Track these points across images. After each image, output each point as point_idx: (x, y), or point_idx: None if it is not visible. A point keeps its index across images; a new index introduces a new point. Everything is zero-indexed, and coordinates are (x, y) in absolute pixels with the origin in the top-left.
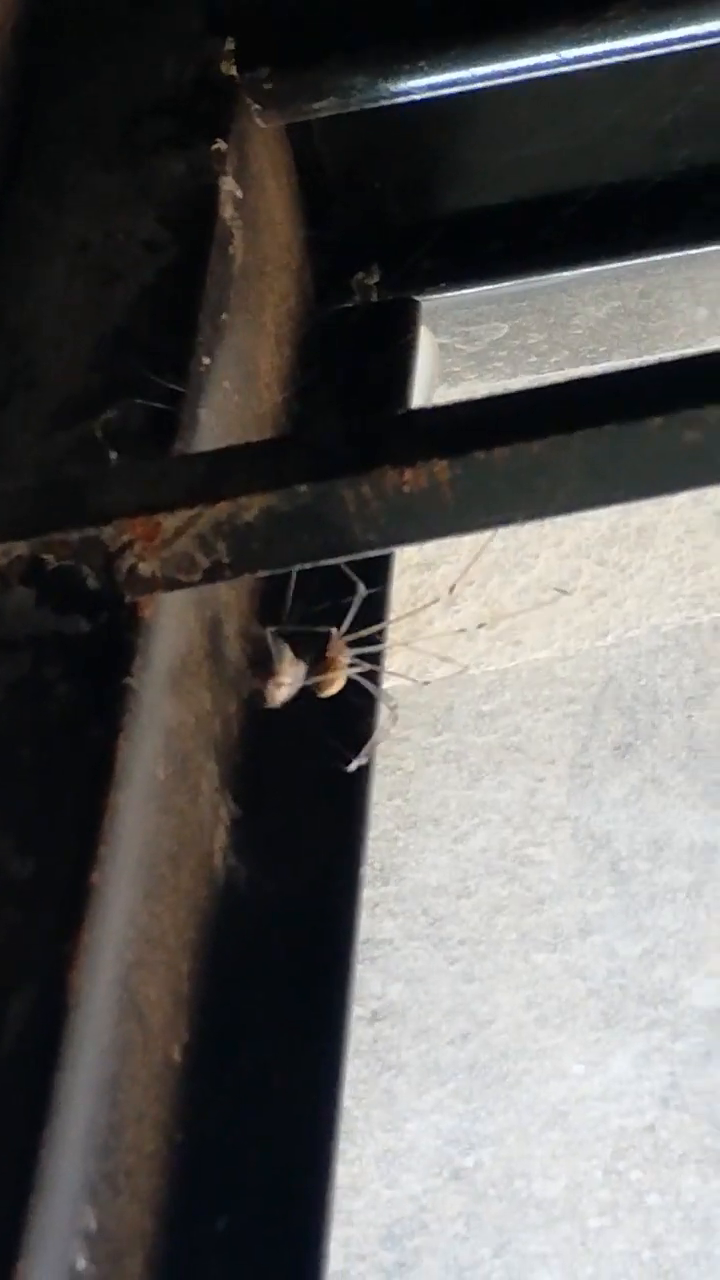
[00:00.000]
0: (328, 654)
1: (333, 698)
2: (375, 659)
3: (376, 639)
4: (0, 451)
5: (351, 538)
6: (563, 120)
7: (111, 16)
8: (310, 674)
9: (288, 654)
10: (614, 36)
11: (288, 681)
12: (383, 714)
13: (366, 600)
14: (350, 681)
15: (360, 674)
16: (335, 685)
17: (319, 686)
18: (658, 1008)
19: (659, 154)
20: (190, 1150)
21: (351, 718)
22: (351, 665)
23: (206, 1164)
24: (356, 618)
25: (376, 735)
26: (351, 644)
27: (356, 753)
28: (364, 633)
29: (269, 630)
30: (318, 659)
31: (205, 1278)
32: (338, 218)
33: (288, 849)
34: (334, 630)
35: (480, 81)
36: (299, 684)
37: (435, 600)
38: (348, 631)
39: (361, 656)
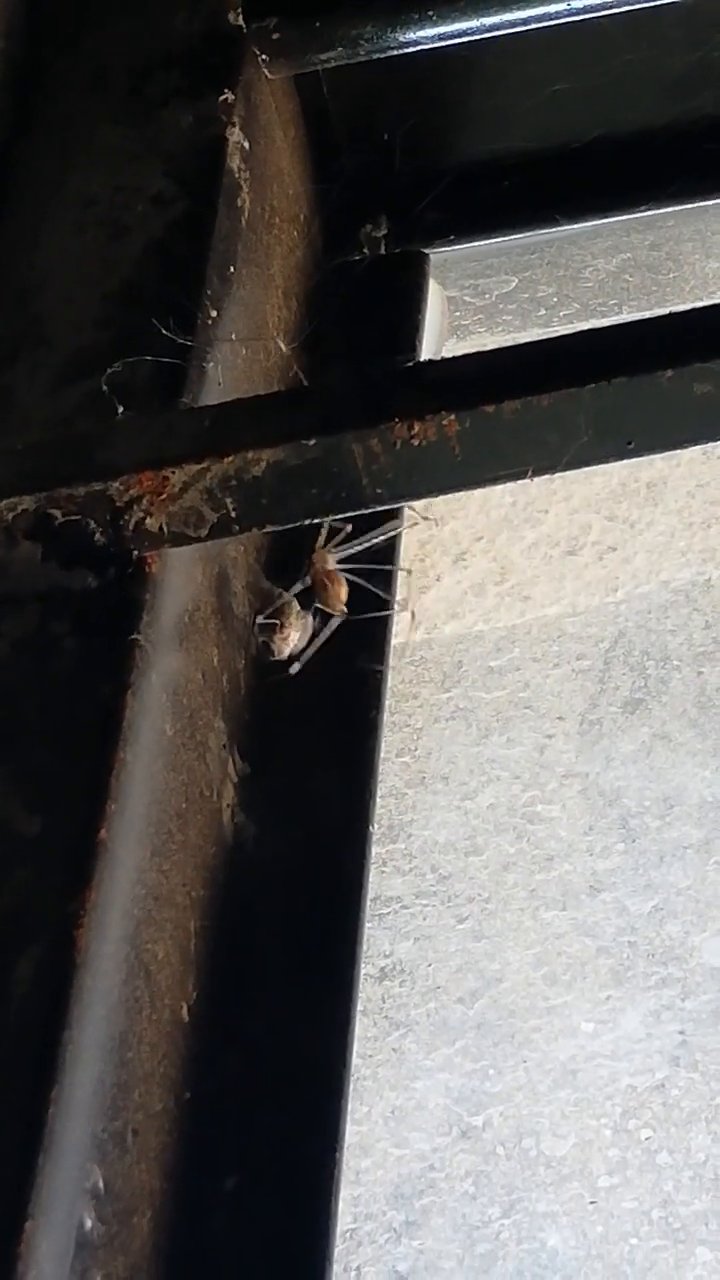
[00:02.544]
0: (314, 565)
1: (342, 653)
2: (385, 576)
3: (389, 557)
4: (8, 407)
5: (360, 491)
6: (573, 70)
7: None
8: (312, 596)
9: (294, 607)
10: None
11: (294, 634)
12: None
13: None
14: (358, 636)
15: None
16: (338, 596)
17: (325, 602)
18: (668, 965)
19: (670, 105)
20: (199, 1109)
21: (361, 672)
22: (349, 574)
23: (215, 1123)
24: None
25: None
26: (351, 564)
27: (367, 709)
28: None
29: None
30: (306, 576)
31: (214, 1236)
32: (346, 169)
33: (296, 806)
34: (317, 546)
35: (490, 31)
36: (306, 636)
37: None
38: (342, 547)
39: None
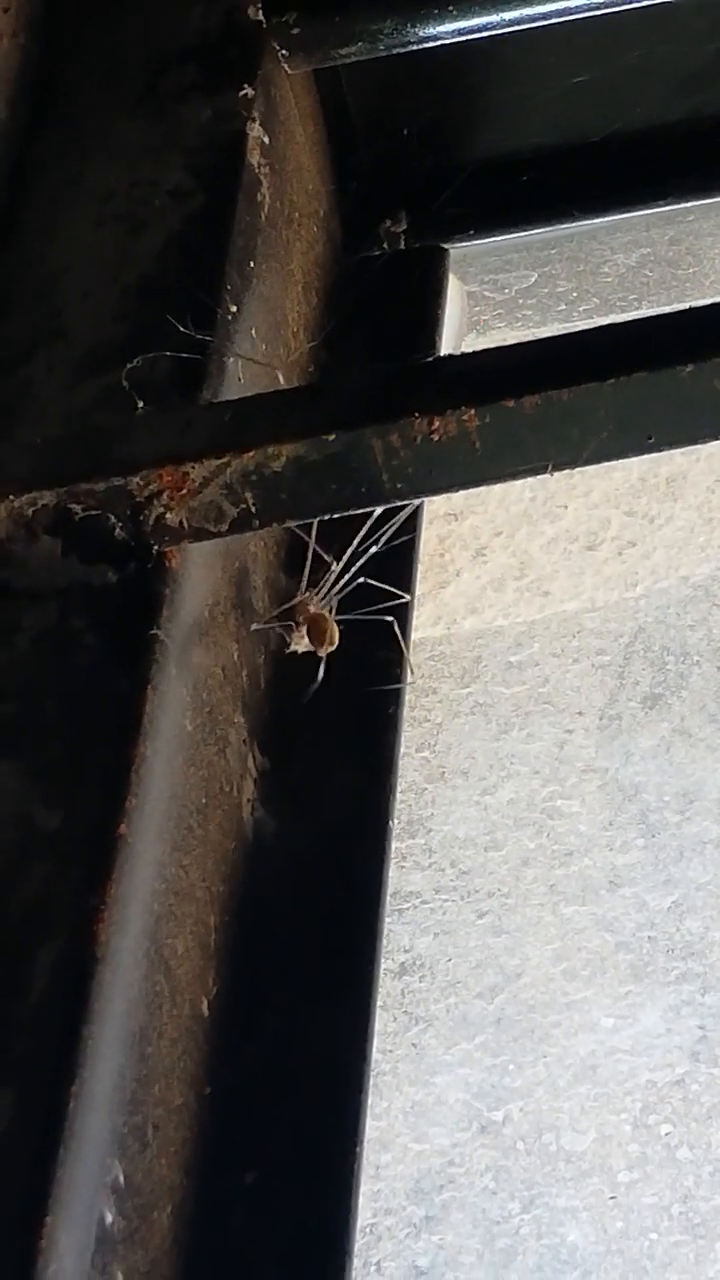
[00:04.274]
0: (296, 618)
1: (362, 649)
2: (403, 612)
3: (401, 585)
4: (27, 402)
5: (380, 487)
6: (591, 63)
7: None
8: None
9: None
10: None
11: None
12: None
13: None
14: (377, 634)
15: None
16: (326, 636)
17: (317, 643)
18: (687, 960)
19: (688, 98)
20: (219, 1104)
21: (379, 669)
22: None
23: (235, 1118)
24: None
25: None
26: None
27: (386, 704)
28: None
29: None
30: (297, 624)
31: (234, 1231)
32: (365, 164)
33: (316, 801)
34: (299, 596)
35: (509, 25)
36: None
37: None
38: (333, 588)
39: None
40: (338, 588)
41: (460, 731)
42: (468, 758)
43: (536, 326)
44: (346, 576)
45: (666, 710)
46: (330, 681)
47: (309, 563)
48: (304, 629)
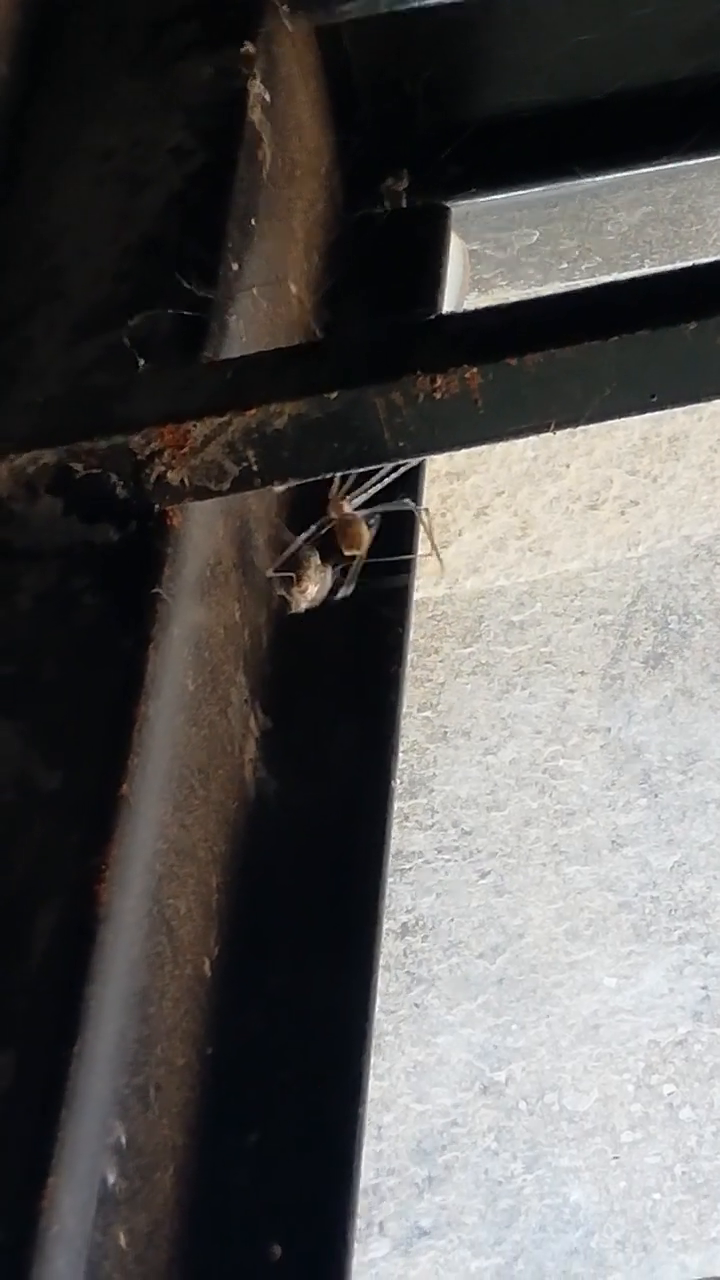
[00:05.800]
0: (330, 513)
1: (364, 607)
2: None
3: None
4: (27, 361)
5: (382, 445)
6: (594, 21)
7: None
8: (330, 550)
9: (314, 560)
10: None
11: (313, 587)
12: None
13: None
14: (378, 592)
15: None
16: (360, 535)
17: (348, 544)
18: (690, 920)
19: (691, 56)
20: (221, 1064)
21: (382, 627)
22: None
23: (237, 1078)
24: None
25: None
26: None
27: (389, 663)
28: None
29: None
30: (325, 523)
31: (236, 1192)
32: (367, 122)
33: (318, 761)
34: (331, 494)
35: None
36: (325, 590)
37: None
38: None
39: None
40: (371, 493)
41: (462, 691)
42: (470, 718)
43: (539, 285)
44: (376, 483)
45: (669, 670)
46: (346, 612)
47: (337, 475)
48: (309, 572)
